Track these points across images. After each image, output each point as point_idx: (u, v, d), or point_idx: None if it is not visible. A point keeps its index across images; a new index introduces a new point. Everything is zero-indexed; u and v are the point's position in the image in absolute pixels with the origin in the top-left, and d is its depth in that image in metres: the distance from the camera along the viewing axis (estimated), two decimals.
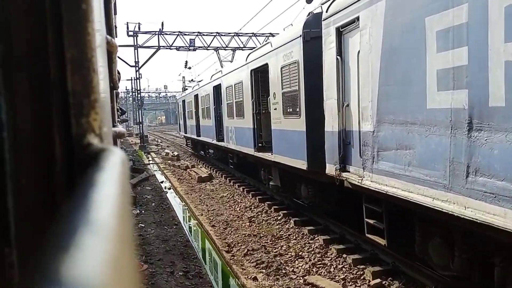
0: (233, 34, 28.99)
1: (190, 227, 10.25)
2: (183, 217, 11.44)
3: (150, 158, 25.24)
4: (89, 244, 0.27)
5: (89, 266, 0.25)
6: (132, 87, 39.15)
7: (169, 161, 21.02)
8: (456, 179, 3.48)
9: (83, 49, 0.49)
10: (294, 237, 7.94)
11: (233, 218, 9.77)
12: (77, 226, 0.29)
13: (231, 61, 25.97)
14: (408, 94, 4.08)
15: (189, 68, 33.07)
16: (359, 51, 4.98)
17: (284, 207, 9.68)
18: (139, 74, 29.83)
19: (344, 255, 6.59)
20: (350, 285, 5.75)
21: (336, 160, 5.67)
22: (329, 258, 6.70)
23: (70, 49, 0.48)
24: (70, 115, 0.48)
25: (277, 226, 8.75)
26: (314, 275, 6.24)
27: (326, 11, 5.83)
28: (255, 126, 9.97)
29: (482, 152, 3.23)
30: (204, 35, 28.54)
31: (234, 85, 11.49)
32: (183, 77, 40.33)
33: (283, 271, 6.44)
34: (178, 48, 28.15)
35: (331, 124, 5.80)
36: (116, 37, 2.04)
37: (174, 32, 28.11)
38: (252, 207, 10.53)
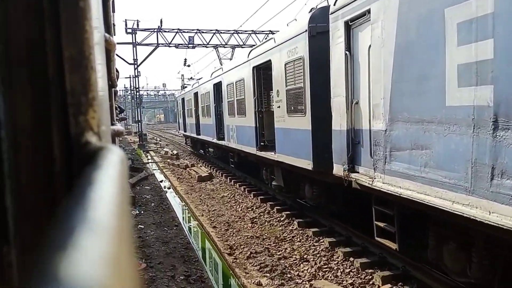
0: (232, 32, 28.76)
1: (190, 228, 10.01)
2: (183, 217, 11.20)
3: (149, 157, 24.99)
4: (88, 243, 0.27)
5: (88, 265, 0.25)
6: (130, 85, 38.88)
7: (168, 160, 20.76)
8: (479, 181, 3.24)
9: (81, 47, 0.49)
10: (298, 239, 7.70)
11: (234, 219, 9.53)
12: (75, 225, 0.29)
13: (230, 59, 25.73)
14: (424, 91, 3.84)
15: (188, 66, 32.77)
16: (370, 46, 4.73)
17: (287, 208, 9.44)
18: (137, 72, 29.58)
19: (351, 259, 6.36)
20: None
21: (345, 160, 5.43)
22: (336, 262, 6.46)
23: (68, 47, 0.48)
24: (69, 113, 0.48)
25: (280, 228, 8.51)
26: (321, 279, 6.01)
27: (334, 4, 5.57)
28: (257, 125, 9.71)
29: (509, 153, 2.99)
30: (203, 32, 28.31)
31: (235, 82, 11.23)
32: (182, 75, 40.10)
33: (288, 275, 6.21)
34: (177, 46, 27.92)
35: (338, 123, 5.55)
36: (114, 35, 2.02)
37: (173, 29, 27.89)
38: (254, 208, 10.29)
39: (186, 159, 20.91)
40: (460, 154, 3.44)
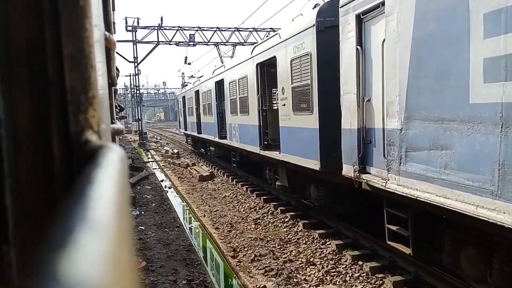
0: (233, 29, 28.60)
1: (192, 230, 9.77)
2: (185, 218, 10.96)
3: (150, 156, 24.77)
4: (87, 242, 0.27)
5: (87, 264, 0.25)
6: (130, 84, 38.65)
7: (169, 159, 20.52)
8: (507, 185, 3.01)
9: (81, 45, 0.49)
10: (304, 241, 7.46)
11: (237, 219, 9.30)
12: (75, 224, 0.29)
13: (231, 57, 25.50)
14: (445, 87, 3.60)
15: (189, 63, 32.52)
16: (383, 40, 4.48)
17: (291, 208, 9.20)
18: (138, 70, 29.34)
19: (360, 262, 6.13)
20: None
21: (355, 161, 5.19)
22: (344, 266, 6.23)
23: (68, 45, 0.47)
24: (68, 112, 0.48)
25: (285, 229, 8.28)
26: (329, 284, 5.78)
27: None
28: (261, 123, 9.46)
29: None
30: (204, 30, 28.14)
31: (238, 80, 10.98)
32: (183, 73, 39.85)
33: (295, 280, 5.98)
34: (177, 44, 27.75)
35: (349, 121, 5.31)
36: (115, 33, 1.95)
37: (173, 27, 27.73)
38: (257, 208, 10.05)
39: (187, 158, 20.66)
40: (485, 155, 3.20)
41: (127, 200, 0.45)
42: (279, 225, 8.60)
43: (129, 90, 48.32)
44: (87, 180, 0.37)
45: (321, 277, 6.00)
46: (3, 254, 0.47)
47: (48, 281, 0.23)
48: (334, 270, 6.15)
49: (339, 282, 5.80)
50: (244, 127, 10.86)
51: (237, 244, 7.64)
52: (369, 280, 5.68)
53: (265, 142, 9.60)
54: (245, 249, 7.40)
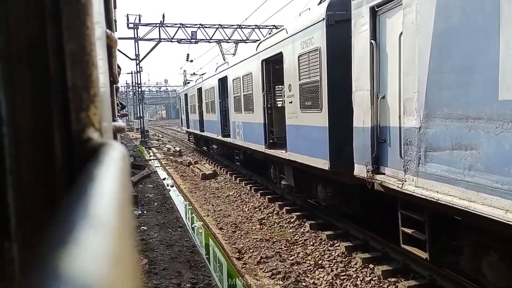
0: (236, 27, 28.38)
1: (195, 230, 9.56)
2: (188, 218, 10.75)
3: (152, 154, 24.58)
4: (89, 239, 0.27)
5: (89, 261, 0.25)
6: (132, 81, 38.44)
7: (171, 157, 20.30)
8: None
9: (83, 43, 0.48)
10: (311, 243, 7.24)
11: (241, 219, 9.08)
12: (76, 221, 0.29)
13: (233, 54, 25.25)
14: (471, 83, 3.36)
15: (191, 61, 32.29)
16: (401, 33, 4.24)
17: (297, 208, 8.97)
18: (139, 68, 29.13)
19: (371, 265, 5.90)
20: None
21: (368, 161, 4.95)
22: (354, 269, 6.00)
23: (69, 43, 0.47)
24: (70, 110, 0.48)
25: (291, 230, 8.06)
26: None
27: None
28: (266, 121, 9.22)
29: None
30: (206, 27, 27.94)
31: (243, 77, 10.74)
32: (184, 70, 39.65)
33: (303, 283, 5.76)
34: (179, 41, 27.55)
35: (361, 119, 5.07)
36: (116, 31, 1.93)
37: (175, 24, 27.56)
38: (262, 208, 9.84)
39: (189, 156, 20.45)
40: None
41: (129, 198, 0.44)
42: (285, 225, 8.38)
43: (131, 87, 48.13)
44: (89, 178, 0.37)
45: (331, 280, 5.78)
46: (5, 251, 0.47)
47: (49, 278, 0.23)
48: (344, 273, 5.93)
49: (349, 286, 5.58)
50: (248, 125, 10.63)
51: (242, 245, 7.42)
52: (381, 284, 5.46)
53: (271, 141, 9.37)
54: (251, 250, 7.19)
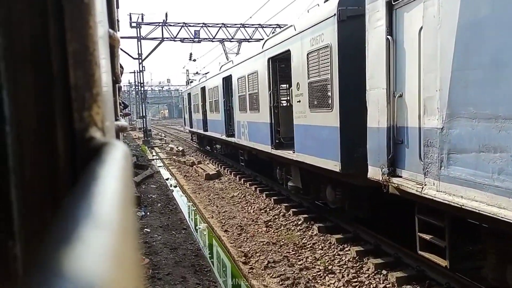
0: (239, 26, 28.24)
1: (200, 232, 9.33)
2: (192, 219, 10.53)
3: (154, 153, 24.40)
4: (92, 237, 0.27)
5: (92, 259, 0.25)
6: (135, 80, 38.28)
7: (174, 157, 20.09)
8: None
9: (85, 42, 0.48)
10: (320, 247, 7.00)
11: (247, 221, 8.85)
12: (79, 220, 0.29)
13: (236, 54, 25.03)
14: (501, 80, 3.11)
15: (194, 60, 32.08)
16: (421, 28, 4.00)
17: (304, 210, 8.74)
18: (142, 67, 28.97)
19: (384, 272, 5.66)
20: None
21: (383, 163, 4.71)
22: (366, 275, 5.76)
23: (72, 42, 0.47)
24: (73, 109, 0.48)
25: (299, 233, 7.82)
26: None
27: None
28: (273, 121, 8.98)
29: None
30: (209, 26, 27.81)
31: (248, 75, 10.50)
32: (187, 70, 39.47)
33: None
34: (182, 40, 27.40)
35: (376, 119, 4.83)
36: (118, 31, 1.93)
37: (178, 23, 27.43)
38: (267, 209, 9.60)
39: (193, 156, 20.23)
40: None
41: (131, 197, 0.44)
42: (292, 228, 8.15)
43: (133, 87, 48.00)
44: (91, 177, 0.37)
45: (342, 287, 5.55)
46: (8, 249, 0.47)
47: (53, 276, 0.23)
48: (355, 279, 5.69)
49: None
50: (253, 124, 10.39)
51: (248, 249, 7.20)
52: None
53: (277, 141, 9.13)
54: (257, 254, 6.96)
